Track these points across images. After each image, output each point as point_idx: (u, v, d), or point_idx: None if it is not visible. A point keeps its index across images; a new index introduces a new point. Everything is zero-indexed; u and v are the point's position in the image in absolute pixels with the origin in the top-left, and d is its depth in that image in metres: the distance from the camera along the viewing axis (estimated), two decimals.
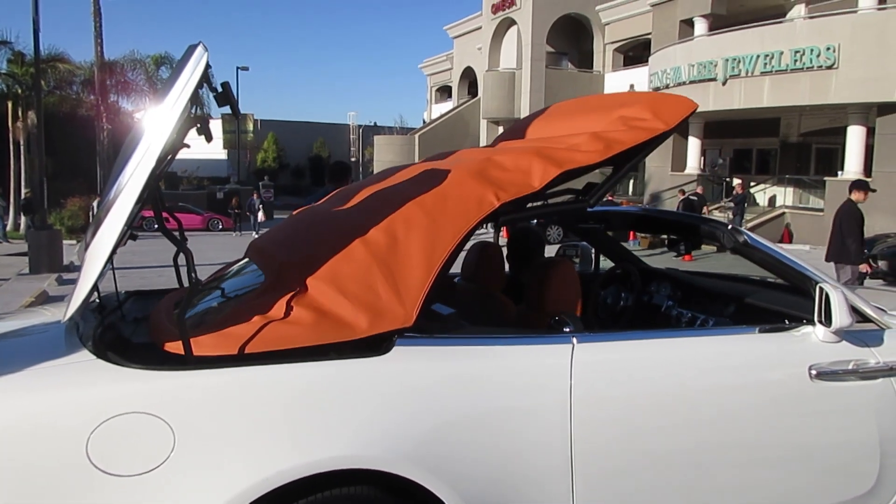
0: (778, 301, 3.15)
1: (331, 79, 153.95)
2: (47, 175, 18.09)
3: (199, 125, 1.99)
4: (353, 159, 51.27)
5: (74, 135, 30.00)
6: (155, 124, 1.92)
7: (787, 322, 2.66)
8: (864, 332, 2.63)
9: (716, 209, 20.55)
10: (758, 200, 22.03)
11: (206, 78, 1.92)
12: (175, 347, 2.00)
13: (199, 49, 1.93)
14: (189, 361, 1.96)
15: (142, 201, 1.98)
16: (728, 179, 19.79)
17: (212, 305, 2.56)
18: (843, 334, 2.55)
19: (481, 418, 2.14)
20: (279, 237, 2.75)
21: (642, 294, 3.66)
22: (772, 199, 21.92)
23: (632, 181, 27.97)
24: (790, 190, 21.33)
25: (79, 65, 30.22)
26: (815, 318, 2.53)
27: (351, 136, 53.97)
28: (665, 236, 15.98)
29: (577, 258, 4.07)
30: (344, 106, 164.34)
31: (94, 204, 23.86)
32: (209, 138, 2.07)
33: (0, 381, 1.87)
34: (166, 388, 1.92)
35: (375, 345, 2.12)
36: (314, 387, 2.02)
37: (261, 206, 26.77)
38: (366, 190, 2.74)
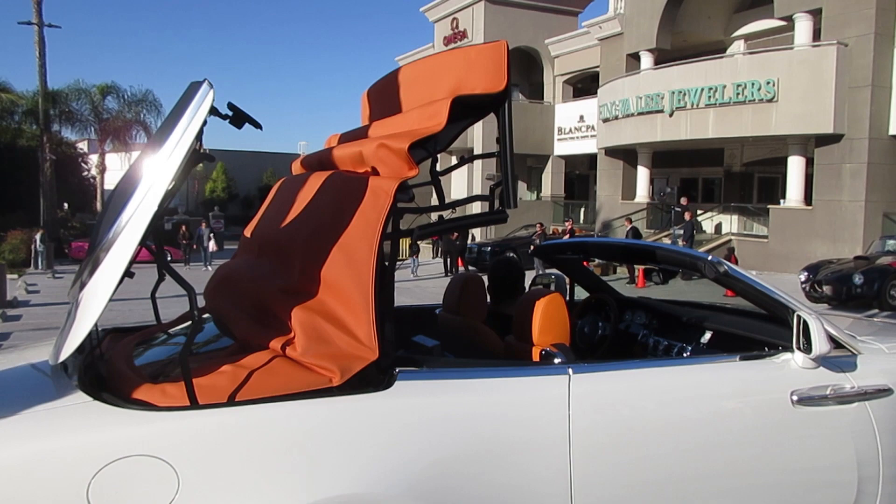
0: (748, 328, 3.26)
1: (280, 108, 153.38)
2: None
3: (202, 161, 1.98)
4: None
5: (14, 166, 29.09)
6: (158, 163, 1.90)
7: (765, 349, 2.76)
8: (838, 358, 2.74)
9: (665, 236, 21.08)
10: (705, 228, 22.69)
11: (212, 111, 1.92)
12: (143, 395, 1.92)
13: (205, 87, 1.92)
14: (193, 406, 1.92)
15: (144, 242, 1.95)
16: (679, 209, 20.35)
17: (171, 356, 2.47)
18: (821, 360, 2.65)
19: (483, 451, 2.15)
20: (230, 305, 2.51)
21: (619, 323, 3.74)
22: (718, 227, 22.60)
23: (583, 209, 28.53)
24: (735, 217, 22.04)
25: (21, 94, 29.47)
26: (794, 346, 2.63)
27: None
28: (616, 264, 16.37)
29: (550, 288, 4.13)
30: (294, 135, 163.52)
31: (37, 237, 23.10)
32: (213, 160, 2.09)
33: None
34: (168, 429, 1.88)
35: (376, 380, 2.12)
36: (319, 424, 2.00)
37: (211, 235, 25.96)
38: (268, 228, 2.66)
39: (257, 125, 2.12)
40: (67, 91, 30.05)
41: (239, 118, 1.99)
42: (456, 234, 20.11)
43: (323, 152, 2.75)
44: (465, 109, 2.47)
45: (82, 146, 38.15)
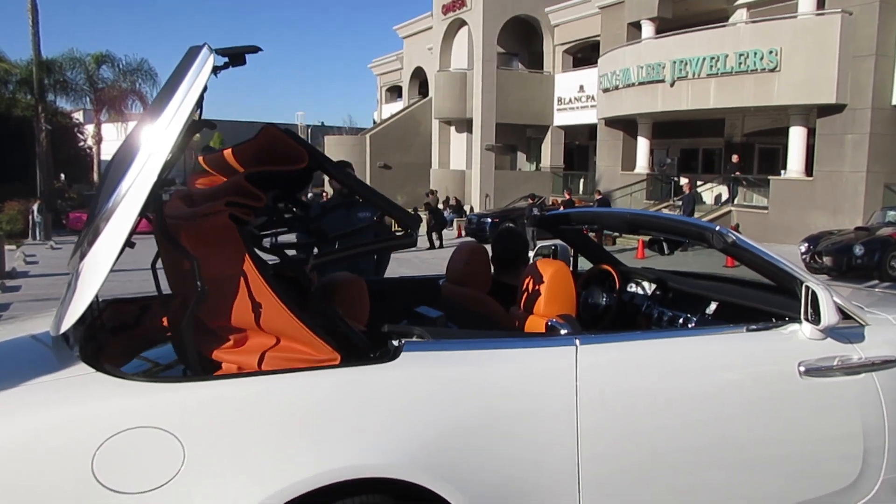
0: (753, 298, 3.23)
1: (278, 78, 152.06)
2: None
3: (203, 128, 1.93)
4: None
5: (10, 136, 28.84)
6: (157, 131, 1.85)
7: (773, 320, 2.74)
8: (846, 328, 2.72)
9: (665, 207, 21.01)
10: (704, 199, 22.61)
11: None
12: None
13: (204, 51, 1.87)
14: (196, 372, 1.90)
15: (145, 211, 1.91)
16: (676, 179, 20.37)
17: None
18: (829, 331, 2.63)
19: (490, 422, 2.14)
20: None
21: (623, 294, 3.72)
22: (717, 198, 22.52)
23: (582, 180, 28.39)
24: (735, 188, 21.94)
25: (15, 63, 29.13)
26: (802, 316, 2.61)
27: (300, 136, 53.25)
28: (616, 235, 16.35)
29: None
30: (291, 106, 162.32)
31: (34, 208, 22.98)
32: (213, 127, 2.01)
33: None
34: (173, 400, 1.86)
35: (383, 352, 2.09)
36: (326, 395, 1.98)
37: None
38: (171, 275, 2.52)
39: (256, 49, 1.98)
40: (62, 60, 29.72)
41: (236, 57, 1.90)
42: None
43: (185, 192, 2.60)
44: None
45: (78, 116, 37.80)
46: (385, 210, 2.29)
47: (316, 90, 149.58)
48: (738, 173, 20.28)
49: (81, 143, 36.55)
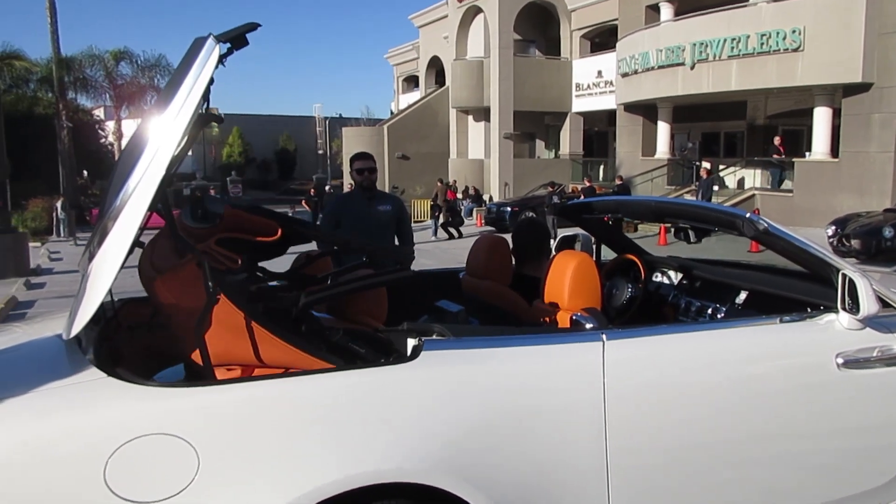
0: (785, 287, 3.12)
1: (294, 71, 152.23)
2: (7, 176, 17.48)
3: (210, 122, 1.86)
4: (320, 152, 50.72)
5: (33, 134, 29.15)
6: (163, 126, 1.78)
7: (808, 310, 2.62)
8: (885, 317, 2.60)
9: (686, 192, 20.72)
10: (727, 183, 22.27)
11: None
12: None
13: (209, 42, 1.79)
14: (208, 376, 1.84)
15: (153, 209, 1.85)
16: (697, 163, 20.01)
17: None
18: (867, 321, 2.51)
19: (513, 422, 2.06)
20: None
21: (648, 284, 3.61)
22: (741, 182, 22.17)
23: (602, 167, 28.10)
24: (758, 172, 21.56)
25: (35, 62, 29.38)
26: (840, 306, 2.50)
27: (317, 129, 53.36)
28: (638, 222, 16.14)
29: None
30: (308, 98, 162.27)
31: (58, 204, 23.22)
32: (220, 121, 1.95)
33: (4, 404, 1.73)
34: (186, 406, 1.80)
35: (402, 352, 2.02)
36: (344, 398, 1.92)
37: None
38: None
39: (255, 26, 1.89)
40: (81, 57, 29.88)
41: (238, 39, 1.82)
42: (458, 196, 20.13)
43: None
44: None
45: (99, 113, 38.13)
46: (377, 255, 2.23)
47: (333, 82, 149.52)
48: (783, 157, 19.57)
49: (103, 140, 36.86)
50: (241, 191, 35.62)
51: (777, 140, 20.25)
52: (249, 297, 2.10)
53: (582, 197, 17.33)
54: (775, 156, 19.72)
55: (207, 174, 42.71)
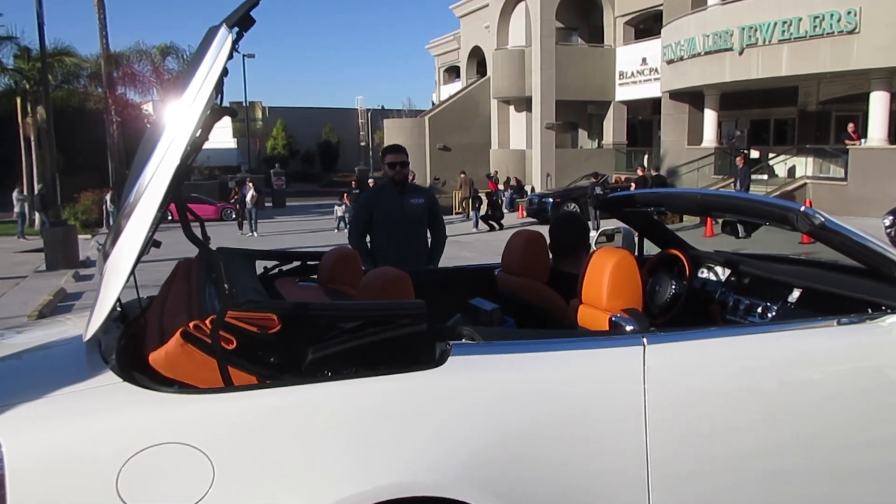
0: (842, 284, 2.91)
1: (336, 63, 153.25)
2: (59, 170, 17.95)
3: (225, 115, 1.77)
4: (362, 144, 50.92)
5: (83, 129, 29.92)
6: (176, 119, 1.70)
7: (869, 311, 2.43)
8: None
9: (733, 182, 20.16)
10: (777, 171, 21.59)
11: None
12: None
13: (222, 31, 1.70)
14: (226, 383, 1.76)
15: (166, 205, 1.77)
16: (746, 151, 19.35)
17: None
18: None
19: (547, 433, 1.94)
20: None
21: (693, 281, 3.43)
22: (791, 170, 21.48)
23: (646, 156, 27.57)
24: (810, 160, 20.84)
25: (85, 58, 30.07)
26: None
27: (360, 121, 53.55)
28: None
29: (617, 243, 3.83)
30: (351, 90, 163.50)
31: (107, 197, 23.77)
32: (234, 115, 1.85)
33: (15, 410, 1.68)
34: (201, 414, 1.72)
35: (428, 357, 1.91)
36: (365, 407, 1.81)
37: (254, 196, 21.67)
38: None
39: (255, 1, 1.78)
40: (129, 53, 30.46)
41: (243, 20, 1.72)
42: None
43: None
44: None
45: (147, 107, 38.94)
46: (389, 313, 2.00)
47: (375, 73, 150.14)
48: (857, 143, 18.64)
49: None
50: (284, 183, 35.98)
51: (850, 127, 19.24)
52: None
53: (633, 187, 16.95)
54: (847, 141, 18.81)
55: (252, 167, 43.26)
